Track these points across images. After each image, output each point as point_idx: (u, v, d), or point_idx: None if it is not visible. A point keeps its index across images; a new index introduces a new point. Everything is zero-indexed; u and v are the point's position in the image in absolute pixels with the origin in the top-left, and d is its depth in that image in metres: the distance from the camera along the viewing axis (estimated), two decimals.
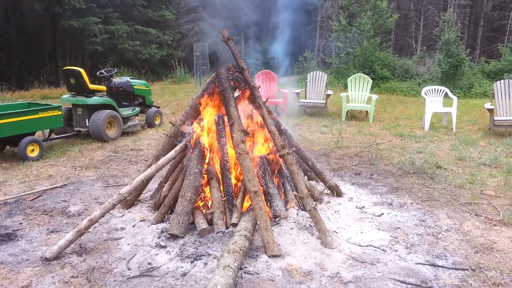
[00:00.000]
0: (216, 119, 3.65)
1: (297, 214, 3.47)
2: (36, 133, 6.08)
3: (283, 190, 3.81)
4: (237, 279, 2.53)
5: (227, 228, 3.22)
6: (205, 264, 2.80)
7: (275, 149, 3.72)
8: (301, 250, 3.02)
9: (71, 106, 7.14)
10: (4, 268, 2.79)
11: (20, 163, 5.41)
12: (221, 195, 3.45)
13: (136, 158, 5.92)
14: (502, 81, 7.94)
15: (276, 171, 3.88)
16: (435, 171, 5.26)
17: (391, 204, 4.10)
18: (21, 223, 3.57)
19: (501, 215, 3.79)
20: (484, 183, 4.80)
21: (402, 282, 2.65)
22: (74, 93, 7.11)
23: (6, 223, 3.57)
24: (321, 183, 4.35)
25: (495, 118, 7.47)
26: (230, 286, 2.31)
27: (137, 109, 7.97)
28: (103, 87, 7.46)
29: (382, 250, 3.10)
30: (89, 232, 3.18)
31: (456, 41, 15.24)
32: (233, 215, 3.31)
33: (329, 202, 4.09)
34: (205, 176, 3.59)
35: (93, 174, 5.09)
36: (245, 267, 2.74)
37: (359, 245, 3.17)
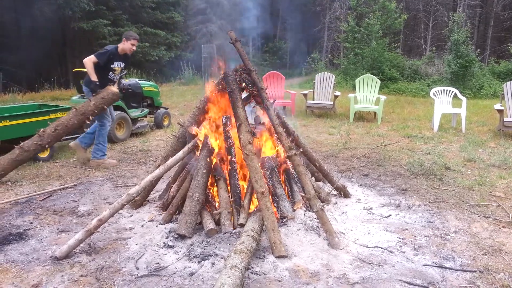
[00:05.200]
0: (223, 120, 3.68)
1: (304, 215, 3.48)
2: None
3: (290, 191, 3.82)
4: (244, 279, 2.54)
5: (234, 228, 3.24)
6: (213, 264, 2.82)
7: (282, 150, 3.73)
8: (308, 251, 3.03)
9: None
10: (15, 267, 2.84)
11: (30, 164, 5.48)
12: (229, 196, 3.47)
13: (144, 158, 5.97)
14: None
15: (283, 172, 3.89)
16: (443, 172, 5.22)
17: (399, 206, 4.09)
18: (31, 223, 3.62)
19: (510, 217, 3.76)
20: (493, 184, 4.76)
21: (409, 283, 2.64)
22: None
23: (17, 222, 3.63)
24: (329, 184, 4.35)
25: (505, 119, 7.39)
26: (237, 286, 2.33)
27: (146, 110, 8.04)
28: None
29: (390, 252, 3.09)
30: (98, 231, 3.22)
31: (465, 42, 15.12)
32: (240, 215, 3.32)
33: (336, 203, 4.08)
34: (213, 176, 3.62)
35: (102, 175, 5.15)
36: (252, 268, 2.76)
37: (366, 246, 3.17)
